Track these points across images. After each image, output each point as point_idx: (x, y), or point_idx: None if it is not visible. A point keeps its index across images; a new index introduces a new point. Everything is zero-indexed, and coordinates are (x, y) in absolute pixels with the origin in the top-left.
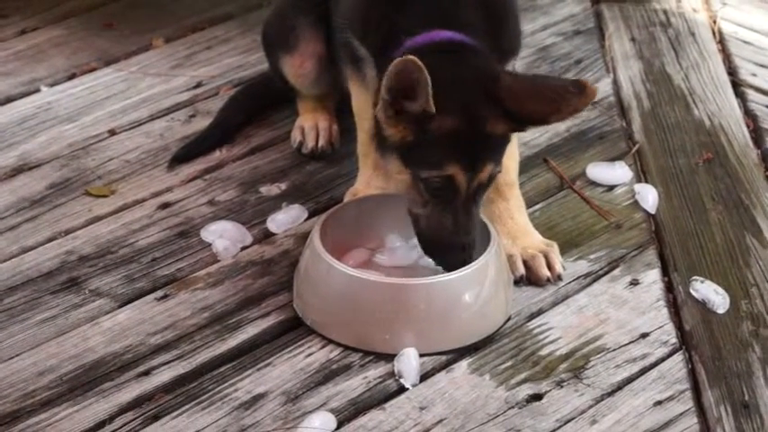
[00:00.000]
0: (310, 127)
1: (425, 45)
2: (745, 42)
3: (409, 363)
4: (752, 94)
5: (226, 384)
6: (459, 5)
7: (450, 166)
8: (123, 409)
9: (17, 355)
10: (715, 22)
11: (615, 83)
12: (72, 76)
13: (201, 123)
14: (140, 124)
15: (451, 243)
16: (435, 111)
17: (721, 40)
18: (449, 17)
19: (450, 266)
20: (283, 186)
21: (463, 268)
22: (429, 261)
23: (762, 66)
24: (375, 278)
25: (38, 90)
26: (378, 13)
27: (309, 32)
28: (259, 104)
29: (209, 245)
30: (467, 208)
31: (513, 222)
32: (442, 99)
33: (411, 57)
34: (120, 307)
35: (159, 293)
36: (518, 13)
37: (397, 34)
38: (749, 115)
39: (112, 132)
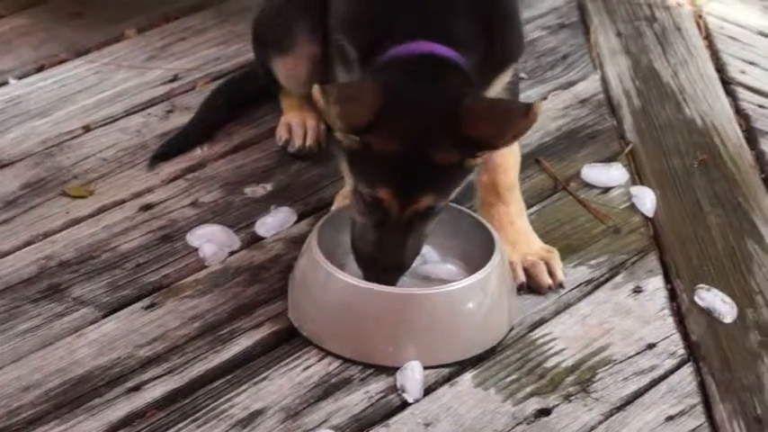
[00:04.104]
0: (298, 125)
1: (404, 57)
2: (732, 38)
3: (413, 377)
4: (742, 93)
5: (221, 400)
6: (451, 15)
7: (382, 189)
8: (114, 428)
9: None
10: (701, 16)
11: (603, 80)
12: (41, 68)
13: (180, 119)
14: (116, 120)
15: (373, 261)
16: (382, 130)
17: (708, 36)
18: (438, 28)
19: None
20: (269, 187)
21: (469, 278)
22: (431, 268)
23: (750, 63)
24: (378, 287)
25: (6, 83)
26: (368, 18)
27: (306, 36)
28: (241, 100)
29: (196, 249)
30: (398, 232)
31: (512, 228)
32: (392, 120)
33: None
34: (106, 316)
35: (146, 302)
36: (519, 19)
37: (383, 41)
38: (741, 115)
39: (87, 128)
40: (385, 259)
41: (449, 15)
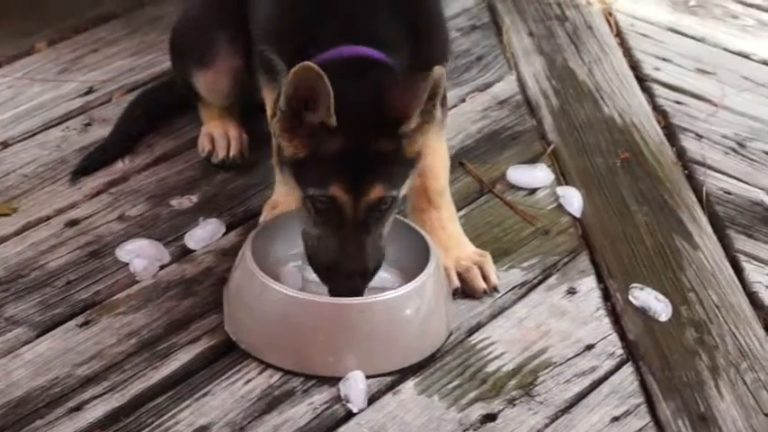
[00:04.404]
0: (221, 135)
1: (332, 60)
2: (644, 35)
3: (356, 386)
4: (658, 89)
5: (165, 417)
6: (376, 19)
7: (334, 186)
8: None
9: None
10: (611, 14)
11: (519, 80)
12: None
13: (99, 132)
14: (34, 134)
15: (337, 270)
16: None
17: (619, 34)
18: (364, 32)
19: (335, 294)
20: (195, 199)
21: (406, 285)
22: None
23: (663, 59)
24: (315, 298)
25: None
26: (293, 26)
27: (227, 48)
28: (160, 110)
29: (126, 264)
30: (356, 234)
31: (444, 233)
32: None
33: (309, 64)
34: (40, 336)
35: (80, 319)
36: (444, 22)
37: (309, 48)
38: (659, 111)
39: (5, 144)
40: (349, 265)
41: (373, 20)
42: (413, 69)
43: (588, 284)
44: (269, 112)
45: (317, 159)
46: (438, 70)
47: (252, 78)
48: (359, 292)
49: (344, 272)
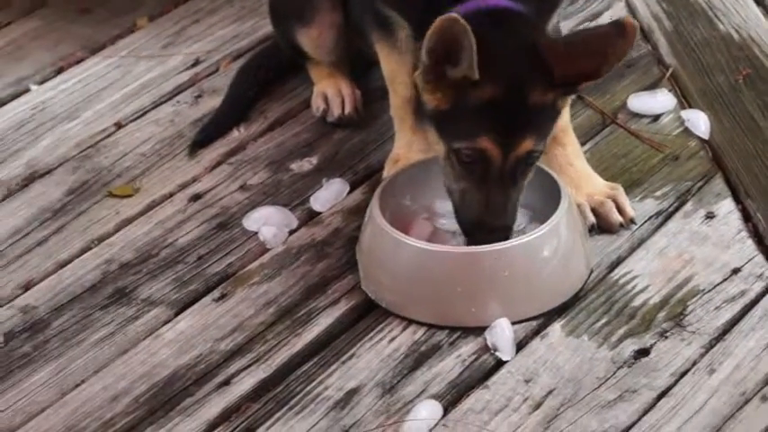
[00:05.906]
0: (334, 93)
1: (474, 12)
2: None
3: (503, 334)
4: None
5: (314, 383)
6: None
7: (483, 138)
8: (212, 425)
9: (83, 382)
10: None
11: (629, 6)
12: (60, 70)
13: (210, 103)
14: (146, 112)
15: (481, 224)
16: (480, 79)
17: None
18: None
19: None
20: (314, 161)
21: (540, 227)
22: None
23: None
24: (450, 249)
25: (27, 89)
26: None
27: (327, 3)
28: (269, 75)
29: (254, 234)
30: (502, 187)
31: (573, 169)
32: (484, 67)
33: (455, 15)
34: (178, 314)
35: (216, 294)
36: None
37: (438, 4)
38: None
39: (119, 125)
40: (494, 219)
41: None
42: (539, 13)
43: (726, 207)
44: (384, 66)
45: (462, 111)
46: (628, 19)
47: (354, 34)
48: None
49: (488, 227)
